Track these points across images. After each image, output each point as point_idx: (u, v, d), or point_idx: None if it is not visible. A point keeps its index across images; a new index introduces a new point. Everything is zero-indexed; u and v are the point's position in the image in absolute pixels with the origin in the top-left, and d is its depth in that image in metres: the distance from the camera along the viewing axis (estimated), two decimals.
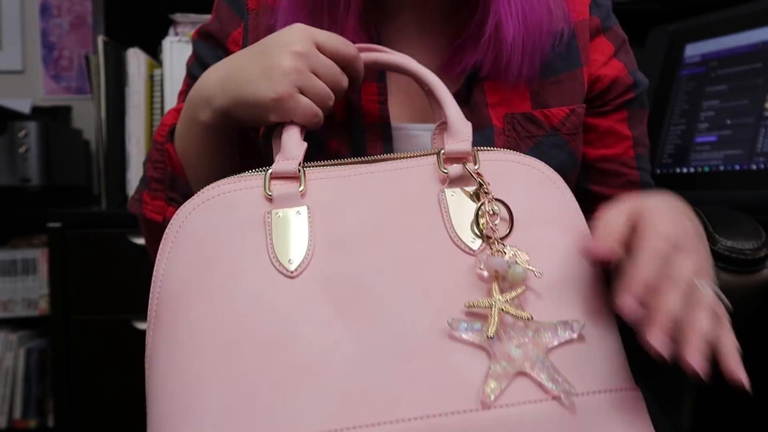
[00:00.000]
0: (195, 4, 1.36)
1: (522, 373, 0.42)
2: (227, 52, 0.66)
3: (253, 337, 0.42)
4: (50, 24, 1.83)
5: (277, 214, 0.46)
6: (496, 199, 0.48)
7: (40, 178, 1.43)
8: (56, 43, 1.84)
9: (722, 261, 0.71)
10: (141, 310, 1.27)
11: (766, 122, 1.05)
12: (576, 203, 0.51)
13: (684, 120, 1.20)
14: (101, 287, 1.28)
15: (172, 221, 0.47)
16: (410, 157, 0.51)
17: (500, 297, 0.43)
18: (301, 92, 0.51)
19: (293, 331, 0.42)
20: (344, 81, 0.54)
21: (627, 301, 0.40)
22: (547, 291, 0.45)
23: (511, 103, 0.62)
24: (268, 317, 0.43)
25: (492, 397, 0.41)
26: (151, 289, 0.46)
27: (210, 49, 0.67)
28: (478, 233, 0.47)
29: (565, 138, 0.63)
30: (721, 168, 1.10)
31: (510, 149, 0.52)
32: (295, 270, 0.45)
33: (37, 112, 1.77)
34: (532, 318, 0.43)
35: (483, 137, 0.61)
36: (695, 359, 0.39)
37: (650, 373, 0.60)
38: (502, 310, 0.43)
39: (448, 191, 0.49)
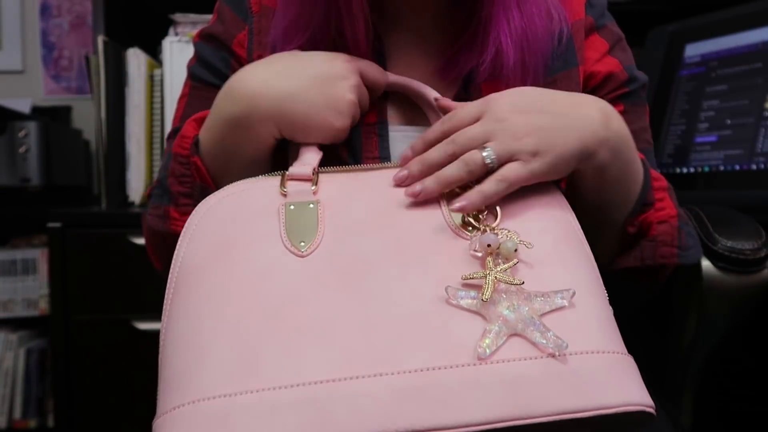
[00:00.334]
0: (195, 4, 1.36)
1: (516, 335, 0.44)
2: (232, 54, 0.66)
3: (263, 304, 0.46)
4: (50, 24, 1.83)
5: (290, 206, 0.51)
6: None
7: (40, 178, 1.43)
8: (56, 43, 1.84)
9: (722, 261, 0.71)
10: (141, 310, 1.27)
11: (766, 122, 1.05)
12: (560, 192, 0.55)
13: (684, 120, 1.20)
14: (101, 287, 1.28)
15: (193, 213, 0.52)
16: None
17: (494, 268, 0.46)
18: None
19: (300, 300, 0.46)
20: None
21: (406, 150, 0.53)
22: (538, 265, 0.48)
23: None
24: (278, 288, 0.47)
25: (487, 351, 0.43)
26: (171, 268, 0.50)
27: (213, 50, 0.67)
28: (470, 222, 0.50)
29: None
30: (721, 168, 1.10)
31: None
32: (306, 251, 0.48)
33: (37, 112, 1.77)
34: (523, 283, 0.46)
35: None
36: (426, 193, 0.50)
37: (650, 372, 0.60)
38: (496, 278, 0.46)
39: None
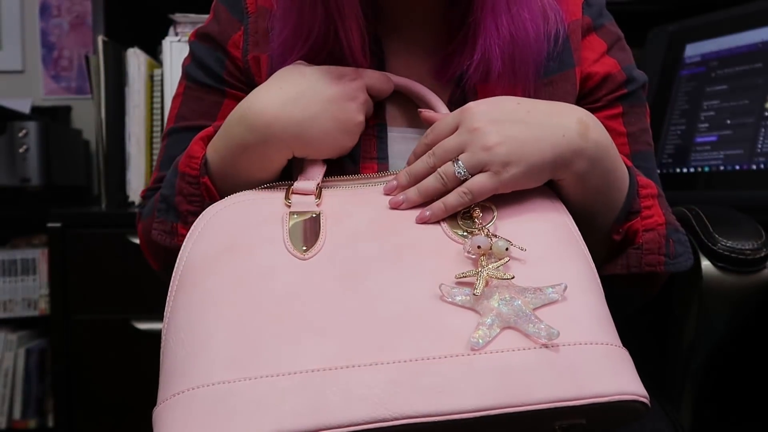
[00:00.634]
0: (195, 4, 1.36)
1: (509, 327, 0.45)
2: (227, 54, 0.66)
3: (263, 300, 0.47)
4: (50, 24, 1.83)
5: (294, 215, 0.53)
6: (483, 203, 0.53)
7: (39, 178, 1.43)
8: (56, 43, 1.84)
9: (722, 261, 0.71)
10: (141, 310, 1.27)
11: (767, 122, 1.05)
12: (555, 196, 0.56)
13: (684, 120, 1.20)
14: (101, 287, 1.28)
15: (200, 217, 0.54)
16: None
17: (486, 266, 0.48)
18: None
19: (300, 297, 0.48)
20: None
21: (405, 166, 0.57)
22: (532, 263, 0.49)
23: None
24: (279, 286, 0.48)
25: (480, 342, 0.44)
26: (175, 267, 0.52)
27: (209, 50, 0.67)
28: (464, 225, 0.52)
29: None
30: (721, 168, 1.10)
31: None
32: (307, 255, 0.50)
33: (37, 112, 1.77)
34: (514, 278, 0.47)
35: None
36: (409, 202, 0.54)
37: (650, 372, 0.59)
38: (488, 274, 0.47)
39: None
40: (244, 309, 0.47)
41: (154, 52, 1.46)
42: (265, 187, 0.57)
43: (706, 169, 1.12)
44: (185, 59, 0.70)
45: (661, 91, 1.26)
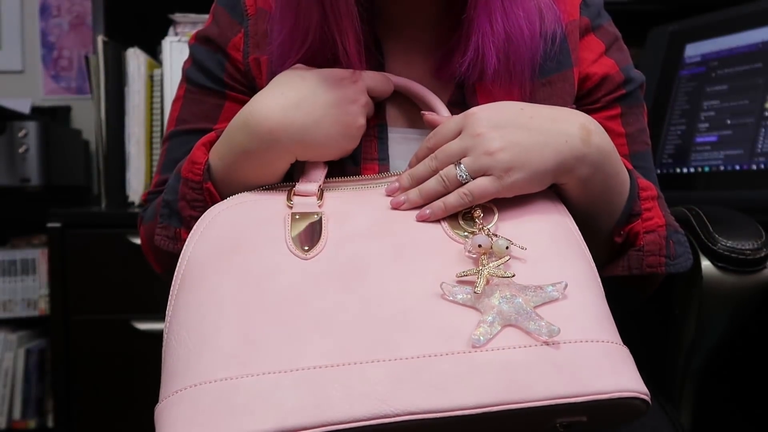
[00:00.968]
0: (195, 4, 1.36)
1: (510, 325, 0.45)
2: (228, 57, 0.66)
3: (265, 298, 0.48)
4: (50, 24, 1.83)
5: (296, 216, 0.54)
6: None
7: (39, 178, 1.43)
8: (56, 43, 1.84)
9: (722, 261, 0.71)
10: (141, 310, 1.27)
11: (766, 122, 1.05)
12: (557, 198, 0.56)
13: (684, 120, 1.20)
14: (101, 287, 1.28)
15: (201, 218, 0.55)
16: None
17: (487, 264, 0.48)
18: None
19: (301, 296, 0.48)
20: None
21: (406, 168, 0.57)
22: (532, 262, 0.50)
23: None
24: (280, 284, 0.49)
25: (481, 339, 0.44)
26: (177, 266, 0.52)
27: (209, 53, 0.67)
28: (465, 226, 0.53)
29: None
30: (721, 168, 1.10)
31: None
32: (309, 255, 0.51)
33: (37, 112, 1.77)
34: (514, 276, 0.47)
35: None
36: (410, 203, 0.54)
37: (650, 372, 0.60)
38: (489, 273, 0.47)
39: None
40: (246, 307, 0.48)
41: (154, 52, 1.46)
42: (266, 189, 0.58)
43: (706, 169, 1.12)
44: (185, 62, 0.70)
45: (661, 91, 1.26)
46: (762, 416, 1.09)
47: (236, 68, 0.66)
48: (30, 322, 1.54)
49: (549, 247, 0.51)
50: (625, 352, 0.47)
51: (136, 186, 1.40)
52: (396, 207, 0.55)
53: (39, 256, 1.53)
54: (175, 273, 0.52)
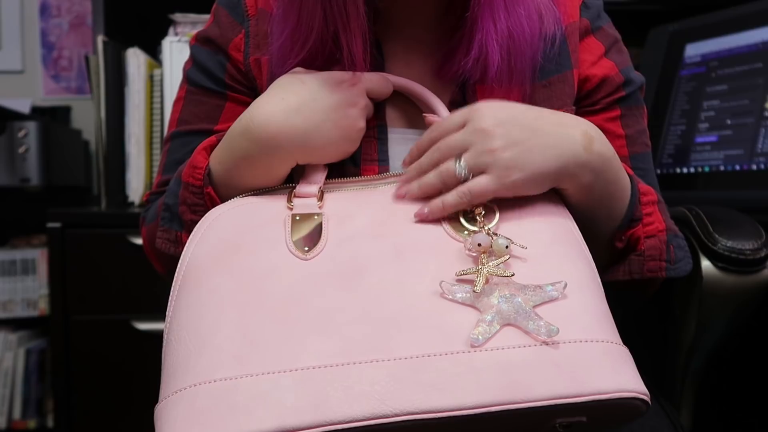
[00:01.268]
0: (195, 4, 1.36)
1: (510, 324, 0.45)
2: (228, 57, 0.66)
3: (265, 299, 0.48)
4: (50, 24, 1.83)
5: (296, 217, 0.54)
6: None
7: (39, 178, 1.43)
8: (56, 43, 1.84)
9: (722, 261, 0.71)
10: (141, 310, 1.27)
11: (766, 122, 1.05)
12: (559, 199, 0.56)
13: (684, 120, 1.20)
14: (101, 287, 1.28)
15: (202, 219, 0.55)
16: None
17: (487, 263, 0.48)
18: None
19: (301, 296, 0.48)
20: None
21: (406, 156, 0.58)
22: (532, 261, 0.50)
23: None
24: (280, 285, 0.49)
25: (480, 339, 0.44)
26: (178, 267, 0.53)
27: (210, 54, 0.67)
28: (466, 225, 0.52)
29: None
30: (721, 168, 1.10)
31: None
32: (309, 255, 0.51)
33: (37, 112, 1.77)
34: (514, 275, 0.47)
35: None
36: (411, 195, 0.54)
37: (650, 372, 0.60)
38: (488, 272, 0.47)
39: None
40: (246, 308, 0.48)
41: (153, 52, 1.46)
42: (267, 191, 0.58)
43: (706, 169, 1.12)
44: (186, 63, 0.70)
45: (661, 91, 1.25)
46: (762, 416, 1.09)
47: (237, 69, 0.66)
48: (30, 322, 1.54)
49: (549, 247, 0.51)
50: (625, 352, 0.47)
51: (136, 186, 1.40)
52: (399, 197, 0.55)
53: (39, 256, 1.53)
54: (176, 274, 0.53)
